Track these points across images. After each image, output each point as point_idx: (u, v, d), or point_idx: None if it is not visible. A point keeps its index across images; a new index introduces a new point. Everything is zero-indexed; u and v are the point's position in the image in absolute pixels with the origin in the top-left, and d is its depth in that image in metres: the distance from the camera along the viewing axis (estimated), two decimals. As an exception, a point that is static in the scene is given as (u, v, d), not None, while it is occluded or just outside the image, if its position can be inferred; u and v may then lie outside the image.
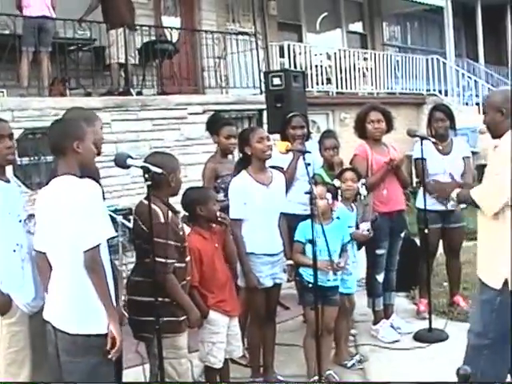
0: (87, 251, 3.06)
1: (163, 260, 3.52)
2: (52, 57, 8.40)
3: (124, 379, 4.59)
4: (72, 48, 9.04)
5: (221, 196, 4.57)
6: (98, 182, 3.44)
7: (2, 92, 7.67)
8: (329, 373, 4.62)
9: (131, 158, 3.45)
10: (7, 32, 8.12)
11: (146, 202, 3.54)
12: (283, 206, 4.72)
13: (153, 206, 3.45)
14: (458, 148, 6.02)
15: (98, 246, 3.10)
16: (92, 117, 3.86)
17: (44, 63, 8.21)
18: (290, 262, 4.61)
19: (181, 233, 3.72)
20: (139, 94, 9.31)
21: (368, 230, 5.03)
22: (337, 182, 4.97)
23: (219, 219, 4.16)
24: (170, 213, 3.62)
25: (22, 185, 7.27)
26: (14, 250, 3.43)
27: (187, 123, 9.03)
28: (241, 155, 4.73)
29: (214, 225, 4.20)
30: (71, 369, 3.15)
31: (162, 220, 3.53)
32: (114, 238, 6.27)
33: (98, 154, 3.88)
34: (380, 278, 5.49)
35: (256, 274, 4.44)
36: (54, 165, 3.45)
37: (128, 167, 3.44)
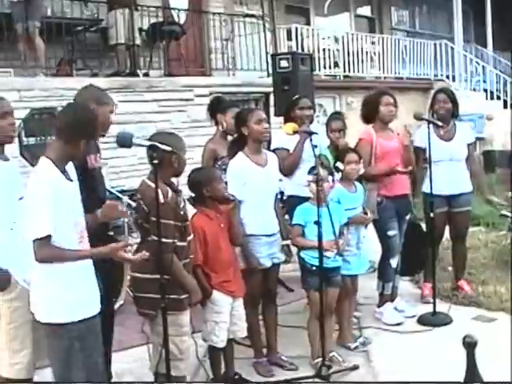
0: (34, 241, 3.00)
1: (163, 239, 3.53)
2: (59, 37, 8.39)
3: (129, 358, 4.69)
4: (79, 28, 9.03)
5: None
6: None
7: (9, 72, 7.66)
8: (332, 354, 4.64)
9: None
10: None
11: (147, 181, 3.61)
12: (278, 187, 4.74)
13: (153, 186, 3.45)
14: (462, 134, 5.90)
15: (46, 237, 2.99)
16: (103, 98, 3.87)
17: (37, 40, 8.08)
18: (287, 242, 4.62)
19: (182, 212, 3.72)
20: (146, 75, 9.29)
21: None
22: (340, 165, 4.97)
23: (227, 197, 4.16)
24: (169, 192, 3.62)
25: (29, 165, 7.30)
26: (12, 228, 3.43)
27: (194, 105, 9.04)
28: (235, 136, 4.73)
29: (220, 205, 4.20)
30: (48, 352, 3.23)
31: (162, 200, 3.52)
32: (118, 219, 6.41)
33: (103, 135, 3.91)
34: (393, 262, 5.45)
35: (255, 254, 4.45)
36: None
37: (130, 146, 3.43)
